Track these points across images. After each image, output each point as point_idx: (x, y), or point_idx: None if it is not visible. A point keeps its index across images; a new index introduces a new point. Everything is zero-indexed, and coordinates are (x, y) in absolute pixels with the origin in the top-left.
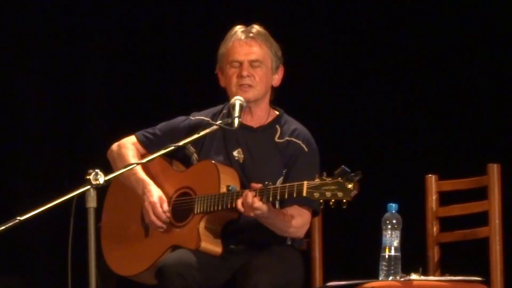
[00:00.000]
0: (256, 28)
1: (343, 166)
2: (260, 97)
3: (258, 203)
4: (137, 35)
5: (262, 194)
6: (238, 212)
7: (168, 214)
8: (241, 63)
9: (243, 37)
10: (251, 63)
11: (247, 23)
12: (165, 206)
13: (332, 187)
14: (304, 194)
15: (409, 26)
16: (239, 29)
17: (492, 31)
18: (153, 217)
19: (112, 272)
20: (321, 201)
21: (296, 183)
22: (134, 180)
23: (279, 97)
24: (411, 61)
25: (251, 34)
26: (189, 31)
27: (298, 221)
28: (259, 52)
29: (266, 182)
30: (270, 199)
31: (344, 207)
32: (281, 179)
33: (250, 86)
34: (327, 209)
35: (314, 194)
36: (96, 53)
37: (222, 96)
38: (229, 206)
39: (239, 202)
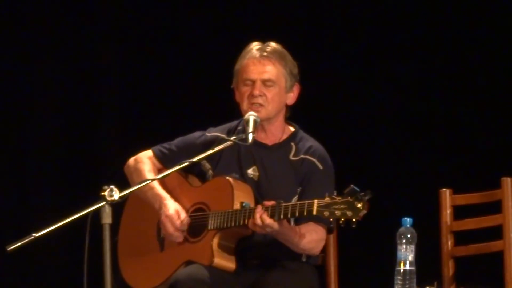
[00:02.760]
0: (271, 46)
1: (352, 185)
2: (272, 116)
3: (269, 221)
4: (153, 48)
5: (274, 212)
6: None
7: (188, 220)
8: (253, 82)
9: (257, 55)
10: (264, 82)
11: (265, 38)
12: (183, 216)
13: (342, 206)
14: (314, 212)
15: (426, 40)
16: (254, 46)
17: (507, 45)
18: (171, 230)
19: (128, 287)
20: (331, 220)
21: (307, 202)
22: (151, 195)
23: (295, 112)
24: (425, 76)
25: (265, 53)
26: (207, 45)
27: (314, 237)
28: (272, 71)
29: (278, 200)
30: (282, 216)
31: (354, 226)
32: (295, 197)
33: (261, 105)
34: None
35: (324, 213)
36: (111, 66)
37: (238, 111)
38: (242, 223)
39: (251, 221)
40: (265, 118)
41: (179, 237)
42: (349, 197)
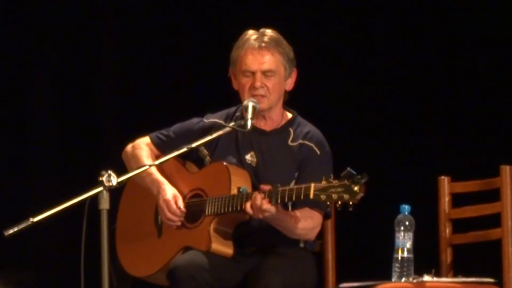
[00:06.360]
0: (268, 34)
1: (348, 168)
2: (274, 105)
3: (266, 205)
4: (149, 35)
5: (270, 196)
6: (249, 214)
7: (183, 209)
8: (253, 73)
9: (256, 45)
10: (264, 73)
11: (259, 24)
12: (180, 203)
13: (339, 189)
14: (311, 196)
15: (421, 28)
16: (251, 35)
17: (505, 33)
18: (168, 215)
19: (127, 274)
20: (328, 203)
21: (303, 185)
22: (149, 181)
23: (294, 98)
24: (423, 63)
25: (263, 44)
26: (202, 31)
27: (309, 223)
28: (271, 61)
29: (275, 185)
30: (279, 201)
31: (350, 209)
32: (293, 182)
33: (263, 96)
34: (339, 211)
35: (321, 196)
36: (109, 53)
37: (235, 97)
38: (239, 208)
39: (248, 204)
40: (267, 108)
41: (176, 221)
42: (345, 180)
